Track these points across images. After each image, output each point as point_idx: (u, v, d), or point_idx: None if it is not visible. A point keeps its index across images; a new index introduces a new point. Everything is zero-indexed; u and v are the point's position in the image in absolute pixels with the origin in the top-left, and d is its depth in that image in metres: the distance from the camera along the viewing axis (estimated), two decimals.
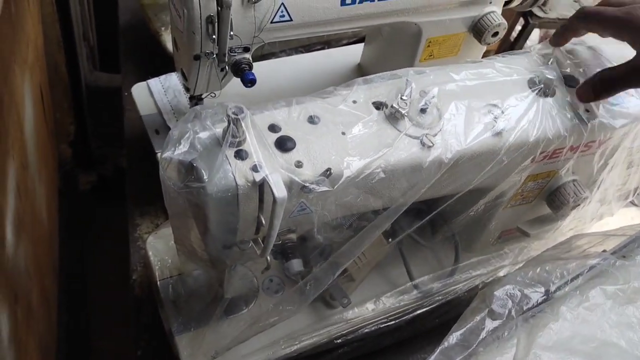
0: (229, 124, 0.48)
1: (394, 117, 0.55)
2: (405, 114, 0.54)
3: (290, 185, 0.49)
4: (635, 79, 0.57)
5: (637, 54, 0.56)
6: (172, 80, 0.87)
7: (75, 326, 1.33)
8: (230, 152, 0.49)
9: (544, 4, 1.19)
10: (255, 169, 0.48)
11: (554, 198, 0.67)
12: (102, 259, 1.51)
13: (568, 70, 0.62)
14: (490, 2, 0.79)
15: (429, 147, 0.54)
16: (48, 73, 1.30)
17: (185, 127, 0.50)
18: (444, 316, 0.73)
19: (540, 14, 1.15)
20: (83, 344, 1.37)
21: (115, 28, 1.13)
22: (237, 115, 0.48)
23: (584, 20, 0.60)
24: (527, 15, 1.15)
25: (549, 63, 0.62)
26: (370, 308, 0.68)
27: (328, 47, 1.03)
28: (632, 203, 0.90)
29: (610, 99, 0.60)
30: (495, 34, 0.80)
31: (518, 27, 1.21)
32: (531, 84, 0.59)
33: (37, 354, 0.97)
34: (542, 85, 0.59)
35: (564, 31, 0.62)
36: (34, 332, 0.95)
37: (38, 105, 1.12)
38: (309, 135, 0.52)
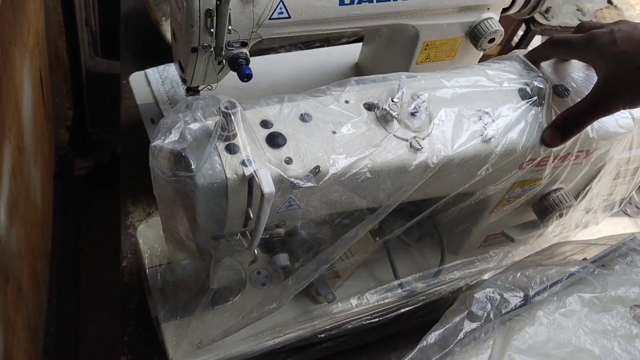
0: (220, 117, 0.49)
1: (384, 119, 0.56)
2: (396, 116, 0.55)
3: (278, 181, 0.50)
4: (600, 109, 0.57)
5: (597, 82, 0.57)
6: (170, 70, 0.87)
7: (65, 309, 1.34)
8: (220, 146, 0.50)
9: (546, 12, 1.20)
10: (244, 163, 0.49)
11: (540, 205, 0.68)
12: (94, 244, 1.52)
13: (556, 79, 0.63)
14: (488, 9, 0.80)
15: (417, 149, 0.55)
16: (48, 57, 1.30)
17: (176, 117, 0.50)
18: (427, 316, 0.74)
19: (542, 21, 1.17)
20: (72, 327, 1.38)
21: (117, 15, 1.13)
22: (228, 109, 0.48)
23: (552, 47, 0.62)
24: (529, 22, 1.16)
25: (538, 72, 0.63)
26: (354, 304, 0.69)
27: (327, 45, 1.04)
28: (625, 213, 0.91)
29: None
30: (492, 40, 0.81)
31: (520, 33, 1.23)
32: (522, 92, 0.60)
33: (26, 335, 0.98)
34: (536, 97, 0.59)
35: (534, 57, 0.64)
36: (23, 313, 0.96)
37: (37, 89, 1.13)
38: (299, 133, 0.53)
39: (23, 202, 0.99)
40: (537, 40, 1.30)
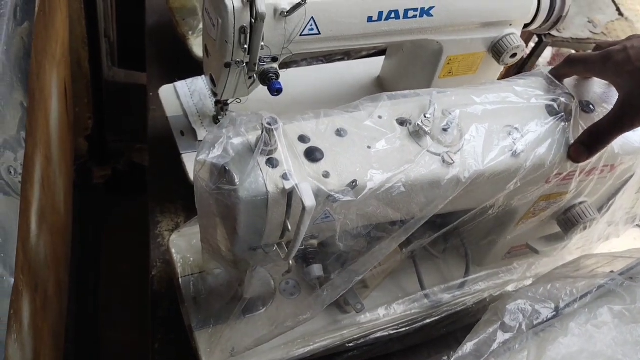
0: (262, 132, 0.51)
1: (417, 134, 0.57)
2: (428, 132, 0.57)
3: (317, 194, 0.52)
4: (623, 126, 0.59)
5: (618, 99, 0.59)
6: (198, 84, 0.89)
7: (83, 316, 1.36)
8: (261, 160, 0.51)
9: None
10: (285, 177, 0.51)
11: (564, 218, 0.70)
12: (113, 252, 1.54)
13: (581, 95, 0.65)
14: (510, 25, 0.82)
15: (449, 164, 0.56)
16: (71, 68, 1.33)
17: (220, 133, 0.52)
18: (450, 326, 0.75)
19: (554, 33, 1.18)
20: (92, 334, 1.40)
21: (136, 25, 1.15)
22: (271, 125, 0.50)
23: (571, 66, 0.64)
24: (542, 34, 1.18)
25: (564, 88, 0.64)
26: (382, 314, 0.71)
27: (348, 59, 1.05)
28: (638, 226, 0.92)
29: None
30: (514, 55, 0.83)
31: (531, 44, 1.24)
32: (550, 109, 0.62)
33: (51, 341, 1.00)
34: (562, 113, 0.61)
35: (556, 74, 0.65)
36: (48, 320, 0.98)
37: (62, 100, 1.15)
38: (336, 147, 0.55)
39: (50, 211, 1.01)
40: (548, 52, 1.31)
